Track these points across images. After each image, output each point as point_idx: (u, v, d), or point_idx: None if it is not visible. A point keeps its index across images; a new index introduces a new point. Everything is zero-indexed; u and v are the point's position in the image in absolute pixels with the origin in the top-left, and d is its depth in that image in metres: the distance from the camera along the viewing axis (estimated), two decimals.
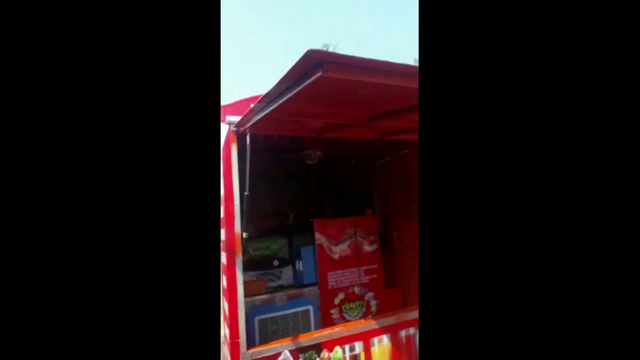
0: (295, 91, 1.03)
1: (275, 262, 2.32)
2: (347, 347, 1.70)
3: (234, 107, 1.72)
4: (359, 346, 1.73)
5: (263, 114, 1.34)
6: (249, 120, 1.52)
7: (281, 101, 1.13)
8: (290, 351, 1.58)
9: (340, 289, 2.33)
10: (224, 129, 1.67)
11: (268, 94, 1.14)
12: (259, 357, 1.52)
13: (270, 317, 2.03)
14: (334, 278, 2.33)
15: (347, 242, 2.43)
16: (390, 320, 1.83)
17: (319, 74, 0.90)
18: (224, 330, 1.68)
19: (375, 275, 2.46)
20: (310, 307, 2.17)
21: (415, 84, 0.91)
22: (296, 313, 2.10)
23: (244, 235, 1.60)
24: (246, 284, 1.69)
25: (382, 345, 1.77)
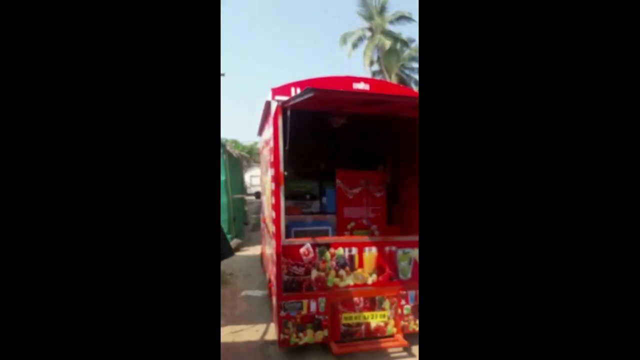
0: (304, 97, 1.94)
1: (307, 196, 3.38)
2: (347, 249, 2.71)
3: (282, 89, 2.64)
4: (355, 250, 2.72)
5: (296, 100, 2.26)
6: (288, 102, 2.45)
7: (301, 99, 2.04)
8: (311, 245, 2.64)
9: (352, 219, 3.32)
10: (274, 105, 2.61)
11: (295, 96, 2.06)
12: (291, 244, 2.61)
13: (302, 230, 3.12)
14: (348, 211, 3.31)
15: (360, 188, 3.36)
16: (378, 238, 2.79)
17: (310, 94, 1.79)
18: (271, 228, 2.78)
19: (379, 214, 3.38)
20: (329, 228, 3.21)
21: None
22: (319, 230, 3.16)
23: (285, 173, 2.61)
24: (287, 207, 2.75)
25: (370, 253, 2.74)
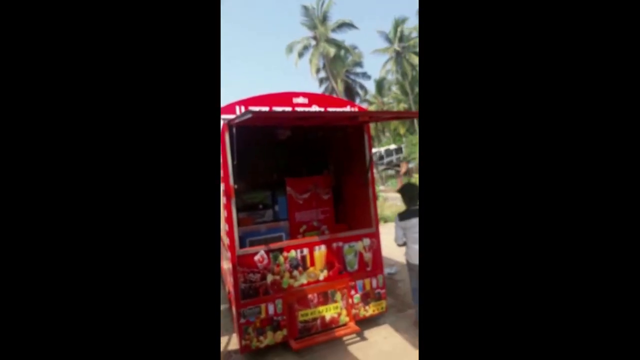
0: (244, 118, 2.18)
1: (260, 206, 3.58)
2: (298, 251, 2.96)
3: (227, 108, 2.83)
4: (306, 250, 2.98)
5: (240, 119, 2.47)
6: (234, 120, 2.65)
7: (244, 119, 2.27)
8: (265, 251, 2.84)
9: (303, 222, 3.58)
10: (220, 124, 2.79)
11: (237, 116, 2.28)
12: (246, 253, 2.79)
13: (257, 239, 3.30)
14: (299, 216, 3.57)
15: (309, 193, 3.64)
16: (325, 237, 3.09)
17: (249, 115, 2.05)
18: (226, 241, 2.93)
19: (328, 215, 3.69)
20: (282, 234, 3.44)
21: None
22: (273, 237, 3.37)
23: (235, 186, 2.80)
24: (241, 219, 2.92)
25: (320, 251, 3.02)
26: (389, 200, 10.51)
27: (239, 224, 2.79)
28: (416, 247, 2.70)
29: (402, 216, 2.83)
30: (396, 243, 2.92)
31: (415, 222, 2.66)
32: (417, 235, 2.68)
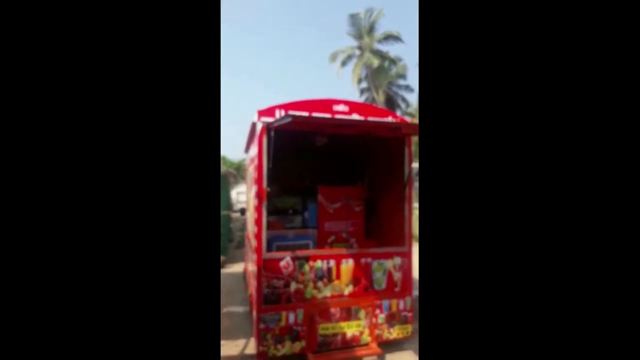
0: (283, 122, 2.19)
1: (290, 211, 3.59)
2: (325, 261, 2.90)
3: (267, 111, 2.89)
4: (333, 262, 2.92)
5: (279, 123, 2.50)
6: (272, 124, 2.69)
7: (283, 122, 2.29)
8: (291, 258, 2.82)
9: (332, 233, 3.53)
10: (259, 126, 2.85)
11: (277, 120, 2.32)
12: (272, 258, 2.79)
13: (284, 244, 3.30)
14: (328, 225, 3.53)
15: (340, 203, 3.59)
16: (354, 250, 3.01)
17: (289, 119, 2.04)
18: (253, 243, 2.96)
19: (357, 227, 3.60)
20: (310, 242, 3.41)
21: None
22: (300, 244, 3.35)
23: (268, 189, 2.82)
24: (270, 222, 2.94)
25: (347, 265, 2.94)
26: None
27: (267, 228, 2.80)
28: None
29: None
30: None
31: None
32: None
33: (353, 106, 3.05)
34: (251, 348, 3.05)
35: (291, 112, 2.74)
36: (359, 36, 20.24)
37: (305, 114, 2.85)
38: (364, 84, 21.09)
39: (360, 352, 2.78)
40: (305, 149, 4.04)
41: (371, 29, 20.15)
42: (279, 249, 3.19)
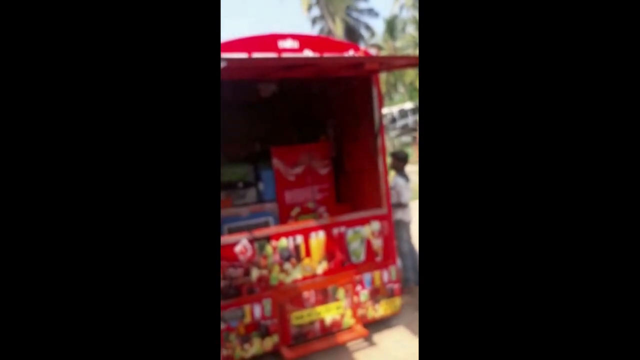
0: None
1: (240, 184, 3.35)
2: (290, 239, 2.78)
3: None
4: (300, 238, 2.80)
5: None
6: None
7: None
8: (248, 240, 2.66)
9: (295, 204, 3.37)
10: None
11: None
12: (223, 244, 2.60)
13: (236, 226, 3.11)
14: (290, 196, 3.36)
15: (302, 166, 3.40)
16: (324, 221, 2.89)
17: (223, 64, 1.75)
18: None
19: (327, 194, 3.47)
20: (270, 218, 3.24)
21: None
22: (258, 223, 3.18)
23: None
24: None
25: (318, 238, 2.84)
26: None
27: None
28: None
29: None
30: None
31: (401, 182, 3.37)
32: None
33: (304, 40, 2.75)
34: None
35: (224, 55, 2.38)
36: None
37: (243, 55, 2.51)
38: (316, 11, 19.99)
39: (343, 337, 2.79)
40: (248, 103, 3.69)
41: None
42: (232, 231, 2.99)
